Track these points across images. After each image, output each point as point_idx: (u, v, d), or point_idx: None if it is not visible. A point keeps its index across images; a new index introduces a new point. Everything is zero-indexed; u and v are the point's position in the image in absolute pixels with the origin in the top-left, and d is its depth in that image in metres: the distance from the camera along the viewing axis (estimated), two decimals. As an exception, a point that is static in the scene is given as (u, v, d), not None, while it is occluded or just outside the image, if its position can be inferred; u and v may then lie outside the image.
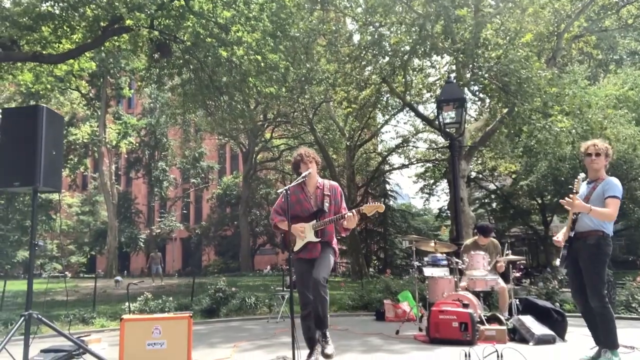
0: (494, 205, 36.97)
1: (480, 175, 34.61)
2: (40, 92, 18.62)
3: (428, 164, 31.68)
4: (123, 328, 4.26)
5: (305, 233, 4.19)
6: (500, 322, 5.58)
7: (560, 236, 4.40)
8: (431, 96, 18.10)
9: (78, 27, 13.93)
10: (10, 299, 10.69)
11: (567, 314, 5.96)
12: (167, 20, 13.67)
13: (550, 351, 4.89)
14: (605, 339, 4.09)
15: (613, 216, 4.08)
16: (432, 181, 32.85)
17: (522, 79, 10.98)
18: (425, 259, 16.99)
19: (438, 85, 17.25)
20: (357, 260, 26.14)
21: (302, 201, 4.28)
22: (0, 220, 25.66)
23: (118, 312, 8.36)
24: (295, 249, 4.25)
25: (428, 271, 9.69)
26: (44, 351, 4.79)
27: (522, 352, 4.18)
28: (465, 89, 16.40)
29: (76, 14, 13.16)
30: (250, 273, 30.86)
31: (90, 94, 30.99)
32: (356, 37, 15.46)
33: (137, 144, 37.24)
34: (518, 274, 26.12)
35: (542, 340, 5.16)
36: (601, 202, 4.11)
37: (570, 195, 4.12)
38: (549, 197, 28.29)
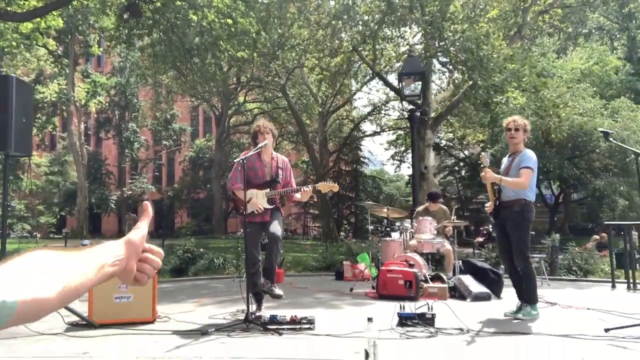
0: (462, 172, 37.97)
1: (450, 144, 35.38)
2: (5, 50, 18.23)
3: (400, 132, 32.16)
4: (92, 283, 4.60)
5: (258, 199, 4.55)
6: (442, 281, 6.13)
7: (488, 205, 4.89)
8: (400, 66, 18.35)
9: (45, -17, 13.67)
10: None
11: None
12: (136, -20, 13.52)
13: (482, 306, 5.44)
14: (527, 295, 4.62)
15: (524, 184, 4.53)
16: (403, 148, 33.43)
17: (481, 56, 11.34)
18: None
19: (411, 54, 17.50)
20: (328, 225, 26.75)
21: (257, 169, 4.66)
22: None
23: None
24: (248, 212, 4.59)
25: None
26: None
27: (451, 307, 4.69)
28: (434, 60, 16.75)
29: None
30: (223, 236, 31.23)
31: (58, 51, 30.14)
32: (328, 4, 15.51)
33: (106, 104, 36.53)
34: (481, 239, 27.17)
35: (478, 297, 5.72)
36: (518, 172, 4.58)
37: (485, 170, 4.57)
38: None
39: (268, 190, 4.61)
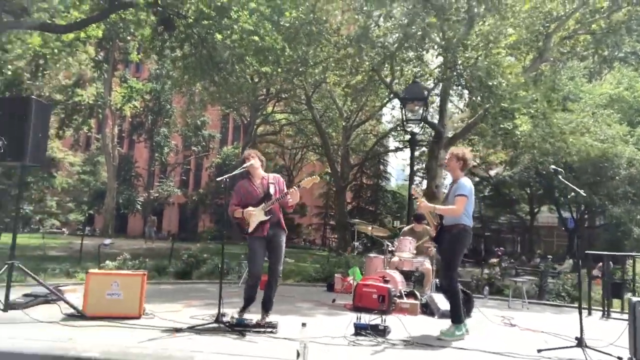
0: (485, 192, 37.81)
1: (474, 163, 35.16)
2: (47, 56, 19.39)
3: (423, 148, 32.35)
4: (88, 279, 5.20)
5: (256, 214, 5.09)
6: (415, 297, 6.51)
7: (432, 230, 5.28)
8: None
9: (86, -2, 14.67)
10: (5, 250, 11.70)
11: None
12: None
13: (438, 323, 5.74)
14: (452, 313, 4.92)
15: (457, 212, 4.85)
16: (424, 165, 33.55)
17: (489, 85, 11.64)
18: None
19: (429, 77, 17.79)
20: (344, 237, 27.06)
21: (251, 192, 5.23)
22: (4, 176, 26.74)
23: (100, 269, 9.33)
24: (250, 230, 5.12)
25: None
26: (25, 295, 5.73)
27: (403, 321, 5.10)
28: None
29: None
30: (241, 242, 31.90)
31: (99, 56, 31.59)
32: (347, 28, 16.07)
33: (141, 108, 37.93)
34: (495, 260, 27.10)
35: (445, 315, 6.04)
36: (454, 199, 4.93)
37: (419, 200, 4.97)
38: (534, 188, 29.05)
39: (263, 204, 5.12)
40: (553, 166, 5.17)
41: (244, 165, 5.18)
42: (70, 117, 32.81)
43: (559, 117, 14.32)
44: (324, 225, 41.44)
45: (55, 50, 18.45)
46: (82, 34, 17.51)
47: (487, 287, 9.22)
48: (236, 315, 4.95)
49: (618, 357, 4.10)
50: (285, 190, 5.15)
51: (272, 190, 5.19)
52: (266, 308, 5.09)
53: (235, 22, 14.10)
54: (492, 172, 34.67)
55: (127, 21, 17.99)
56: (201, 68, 16.50)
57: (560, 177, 4.79)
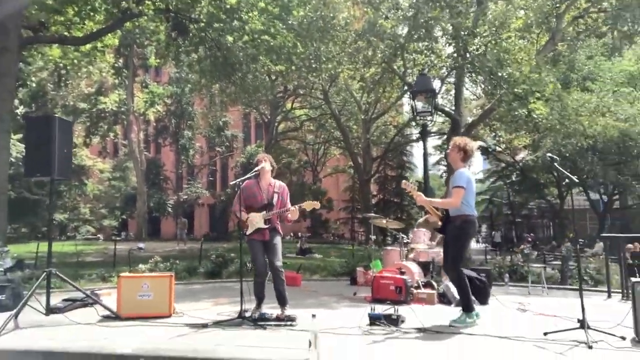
0: (513, 177, 37.41)
1: (499, 148, 34.89)
2: (68, 67, 20.12)
3: (445, 136, 32.18)
4: (120, 283, 5.59)
5: (257, 220, 5.42)
6: (433, 288, 6.72)
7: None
8: (433, 77, 18.70)
9: (100, 9, 15.18)
10: (44, 258, 12.32)
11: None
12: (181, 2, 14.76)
13: (454, 311, 5.91)
14: (462, 302, 5.10)
15: (454, 203, 4.98)
16: (444, 154, 33.41)
17: (500, 76, 11.67)
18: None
19: (442, 66, 17.78)
20: (370, 230, 27.14)
21: (256, 195, 5.54)
22: (37, 186, 27.83)
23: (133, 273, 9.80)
24: (248, 232, 5.49)
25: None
26: (64, 300, 6.17)
27: (416, 311, 5.33)
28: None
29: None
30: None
31: (119, 63, 32.44)
32: (354, 24, 16.21)
33: (164, 113, 38.74)
34: (525, 246, 26.92)
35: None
36: (451, 191, 5.08)
37: (414, 195, 5.13)
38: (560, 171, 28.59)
39: (264, 212, 5.45)
40: (549, 154, 5.29)
41: (256, 169, 5.49)
42: (95, 124, 33.82)
43: (576, 97, 14.19)
44: (352, 219, 41.65)
45: (75, 61, 19.15)
46: (99, 44, 18.12)
47: (507, 275, 9.34)
48: (256, 313, 5.27)
49: (621, 337, 4.26)
50: (287, 207, 5.48)
51: (275, 200, 5.53)
52: (281, 303, 5.34)
53: (246, 23, 14.43)
54: (518, 157, 34.25)
55: (142, 28, 18.53)
56: (217, 70, 16.89)
57: (555, 164, 4.91)
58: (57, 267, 5.76)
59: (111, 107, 32.94)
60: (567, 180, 29.75)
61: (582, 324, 4.23)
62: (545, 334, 4.39)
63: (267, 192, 5.56)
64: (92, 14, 14.96)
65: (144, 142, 41.56)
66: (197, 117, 39.91)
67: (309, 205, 5.35)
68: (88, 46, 17.48)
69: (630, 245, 14.47)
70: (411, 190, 5.16)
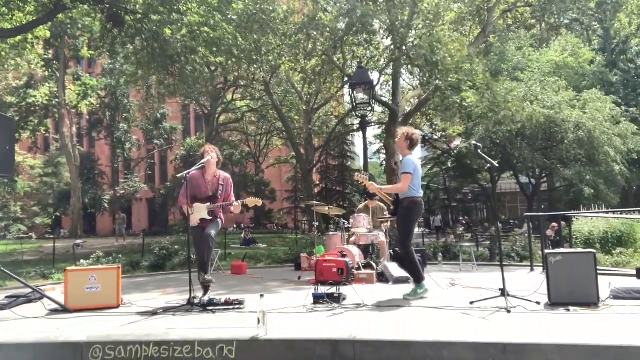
0: (448, 164, 39.01)
1: (435, 137, 36.26)
2: (-5, 59, 19.09)
3: (384, 126, 33.05)
4: (67, 277, 5.62)
5: (200, 212, 5.67)
6: (372, 268, 7.16)
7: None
8: (372, 69, 19.27)
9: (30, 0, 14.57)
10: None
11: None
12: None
13: (399, 288, 6.42)
14: (412, 275, 5.62)
15: (401, 188, 5.51)
16: (383, 143, 34.37)
17: (434, 61, 12.31)
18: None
19: (379, 58, 18.34)
20: (314, 219, 27.55)
21: (201, 186, 5.78)
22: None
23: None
24: (192, 224, 5.77)
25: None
26: (7, 297, 6.10)
27: (357, 289, 5.72)
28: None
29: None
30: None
31: (49, 55, 30.98)
32: (294, 17, 16.45)
33: (97, 105, 37.39)
34: (461, 228, 28.26)
35: (399, 281, 6.74)
36: (399, 177, 5.57)
37: (366, 184, 5.61)
38: (491, 157, 30.15)
39: (209, 204, 5.70)
40: (473, 141, 5.83)
41: (203, 161, 5.68)
42: (25, 119, 32.18)
43: (505, 87, 15.12)
44: (295, 209, 42.02)
45: (3, 53, 18.25)
46: (30, 36, 17.37)
47: (440, 254, 9.99)
48: (204, 298, 5.48)
49: (537, 302, 4.81)
50: (231, 200, 5.77)
51: (219, 193, 5.79)
52: (202, 269, 5.69)
53: (184, 15, 14.29)
54: (453, 145, 35.75)
55: (75, 19, 17.89)
56: (155, 61, 16.62)
57: (479, 151, 5.44)
58: (-4, 265, 5.69)
59: (41, 101, 31.45)
60: (495, 164, 31.45)
61: (503, 293, 4.74)
62: (471, 302, 4.88)
63: (211, 183, 5.78)
64: (21, 4, 14.35)
65: (77, 137, 40.02)
66: (134, 110, 38.83)
67: (251, 202, 5.64)
68: (17, 38, 16.74)
69: (555, 224, 15.72)
70: (363, 180, 5.58)
